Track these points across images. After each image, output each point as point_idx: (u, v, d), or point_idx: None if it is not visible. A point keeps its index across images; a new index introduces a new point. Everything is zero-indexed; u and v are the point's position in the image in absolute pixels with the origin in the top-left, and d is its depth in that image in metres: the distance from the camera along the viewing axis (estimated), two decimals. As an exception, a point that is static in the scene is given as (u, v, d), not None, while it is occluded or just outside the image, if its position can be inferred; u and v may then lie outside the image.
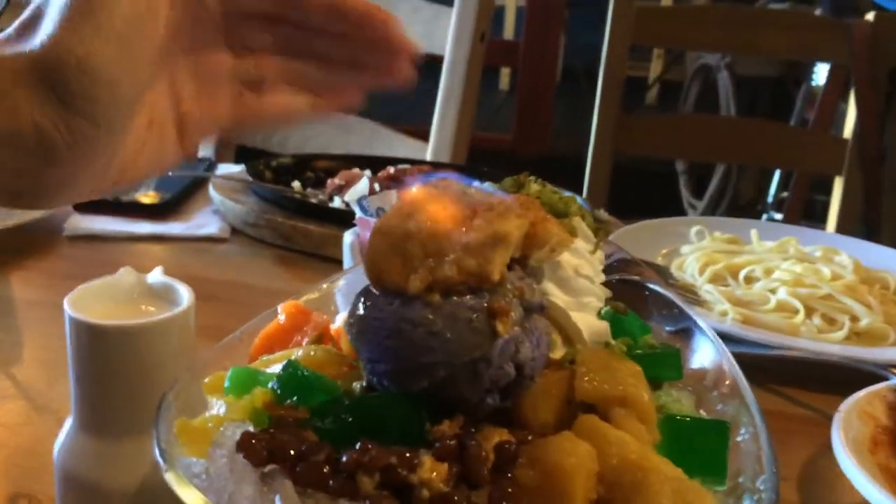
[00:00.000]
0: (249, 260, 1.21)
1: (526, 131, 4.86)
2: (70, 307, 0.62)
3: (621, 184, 2.28)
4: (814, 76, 3.80)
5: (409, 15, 1.83)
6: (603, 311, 0.62)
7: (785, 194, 3.74)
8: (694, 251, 1.24)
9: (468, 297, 0.46)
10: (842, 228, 2.16)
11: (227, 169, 1.57)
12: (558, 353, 0.55)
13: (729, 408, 0.61)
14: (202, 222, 1.29)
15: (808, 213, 2.88)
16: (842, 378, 0.92)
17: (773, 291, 1.10)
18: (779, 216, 3.73)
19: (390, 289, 0.47)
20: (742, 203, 4.33)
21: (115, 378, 0.61)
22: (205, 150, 1.99)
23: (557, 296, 0.55)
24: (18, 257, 1.13)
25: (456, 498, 0.42)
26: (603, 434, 0.48)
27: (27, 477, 0.69)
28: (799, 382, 0.97)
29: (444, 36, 1.79)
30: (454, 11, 1.76)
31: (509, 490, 0.44)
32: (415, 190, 0.49)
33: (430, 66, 1.81)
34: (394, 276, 0.47)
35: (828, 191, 2.29)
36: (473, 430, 0.48)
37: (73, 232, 1.21)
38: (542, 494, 0.45)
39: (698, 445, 0.54)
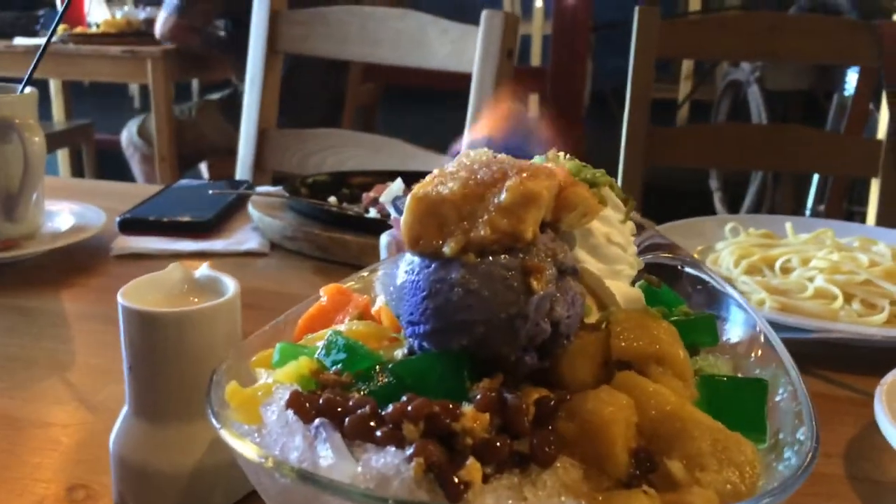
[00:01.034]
0: (289, 272, 1.24)
1: (560, 139, 4.86)
2: (123, 298, 0.64)
3: (654, 203, 2.28)
4: (846, 86, 3.77)
5: (439, 36, 1.87)
6: (637, 284, 0.63)
7: (822, 207, 3.70)
8: (728, 246, 1.24)
9: (503, 256, 0.48)
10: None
11: (265, 189, 1.61)
12: (593, 317, 0.56)
13: (766, 372, 0.61)
14: (242, 238, 1.32)
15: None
16: (884, 359, 0.91)
17: (810, 280, 1.10)
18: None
19: (427, 252, 0.49)
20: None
21: (167, 364, 0.64)
22: (242, 174, 2.04)
23: (590, 262, 0.57)
24: (68, 276, 1.17)
25: (498, 444, 0.43)
26: (641, 387, 0.49)
27: (83, 470, 0.71)
28: (840, 365, 0.96)
29: (472, 54, 1.82)
30: (480, 29, 1.80)
31: (550, 436, 0.45)
32: (449, 164, 0.51)
33: (463, 93, 1.84)
34: (430, 239, 0.49)
35: (864, 201, 2.27)
36: (514, 389, 0.49)
37: (120, 251, 1.25)
38: (584, 445, 0.46)
39: (737, 403, 0.54)
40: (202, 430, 0.65)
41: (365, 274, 0.72)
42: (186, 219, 1.34)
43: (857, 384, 0.93)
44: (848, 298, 1.06)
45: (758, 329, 0.65)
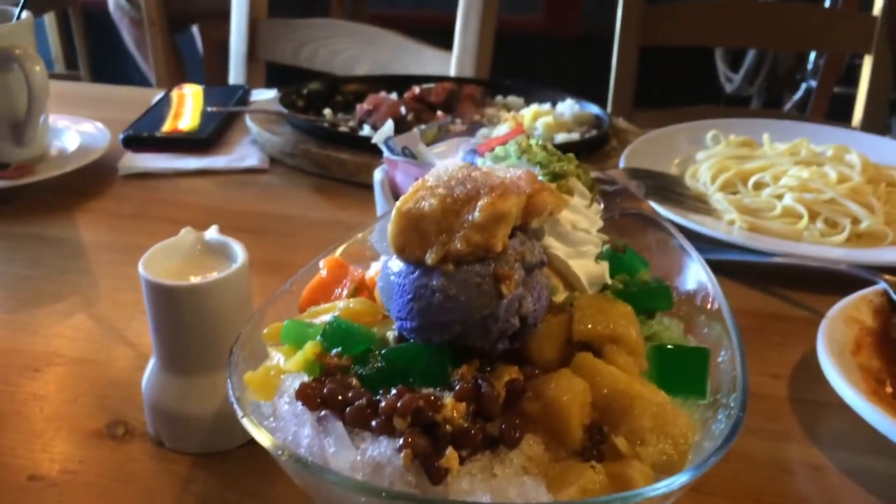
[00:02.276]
0: (289, 190, 1.31)
1: (557, 11, 4.76)
2: (144, 270, 0.72)
3: (654, 60, 2.28)
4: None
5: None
6: (604, 250, 0.71)
7: (814, 84, 3.66)
8: (707, 158, 1.30)
9: (476, 265, 0.55)
10: (870, 112, 2.17)
11: (261, 94, 1.64)
12: (560, 296, 0.64)
13: (713, 332, 0.70)
14: (243, 154, 1.38)
15: (837, 109, 2.84)
16: (841, 280, 1.00)
17: (779, 198, 1.17)
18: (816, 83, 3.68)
19: (411, 260, 0.57)
20: (781, 73, 4.25)
21: (187, 327, 0.72)
22: (236, 73, 2.06)
23: (558, 248, 0.64)
24: (82, 199, 1.24)
25: (472, 431, 0.52)
26: (596, 369, 0.58)
27: (121, 406, 0.81)
28: (801, 286, 1.05)
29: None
30: None
31: (517, 420, 0.54)
32: (427, 176, 0.57)
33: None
34: (414, 249, 0.56)
35: (856, 82, 2.30)
36: (489, 368, 0.58)
37: (126, 171, 1.31)
38: (546, 422, 0.55)
39: (683, 370, 0.63)
40: (220, 382, 0.74)
41: (360, 235, 0.79)
42: (187, 135, 1.39)
43: (814, 304, 1.02)
44: (813, 216, 1.14)
45: (709, 287, 0.73)
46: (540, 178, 0.61)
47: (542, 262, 0.60)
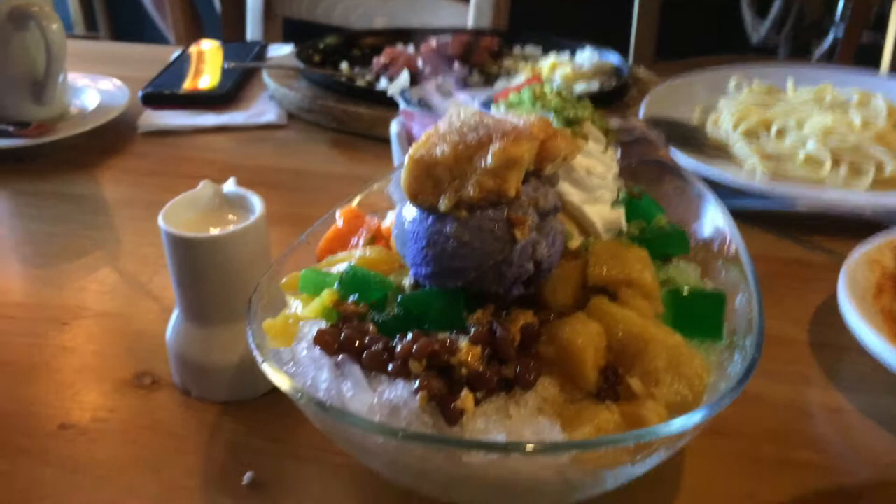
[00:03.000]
0: (307, 145, 1.31)
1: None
2: (164, 222, 0.73)
3: (677, 9, 2.24)
4: None
5: None
6: (620, 196, 0.71)
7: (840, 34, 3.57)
8: (729, 106, 1.28)
9: (490, 210, 0.56)
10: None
11: (278, 50, 1.64)
12: (575, 242, 0.64)
13: (731, 275, 0.70)
14: (261, 110, 1.38)
15: (865, 58, 2.77)
16: (863, 225, 0.99)
17: (803, 144, 1.15)
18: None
19: (425, 207, 0.57)
20: (807, 23, 4.15)
21: (207, 278, 0.73)
22: (253, 30, 2.05)
23: (573, 193, 0.64)
24: (103, 157, 1.25)
25: (488, 374, 0.53)
26: (610, 313, 0.58)
27: (148, 357, 0.83)
28: (823, 232, 1.04)
29: None
30: None
31: (532, 363, 0.55)
32: (439, 123, 0.57)
33: None
34: (427, 196, 0.56)
35: (884, 28, 2.24)
36: (504, 313, 0.59)
37: (146, 128, 1.32)
38: (560, 365, 0.56)
39: (699, 313, 0.64)
40: (242, 331, 0.74)
41: (376, 186, 0.79)
42: (206, 92, 1.39)
43: (834, 247, 1.01)
44: (837, 162, 1.12)
45: (727, 232, 0.73)
46: (554, 124, 0.61)
47: (556, 208, 0.60)
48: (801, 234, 1.05)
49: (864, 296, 0.84)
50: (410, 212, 0.58)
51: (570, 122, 0.64)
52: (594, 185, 0.64)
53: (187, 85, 1.42)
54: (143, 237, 1.05)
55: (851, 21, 2.48)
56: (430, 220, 0.56)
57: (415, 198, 0.57)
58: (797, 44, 4.11)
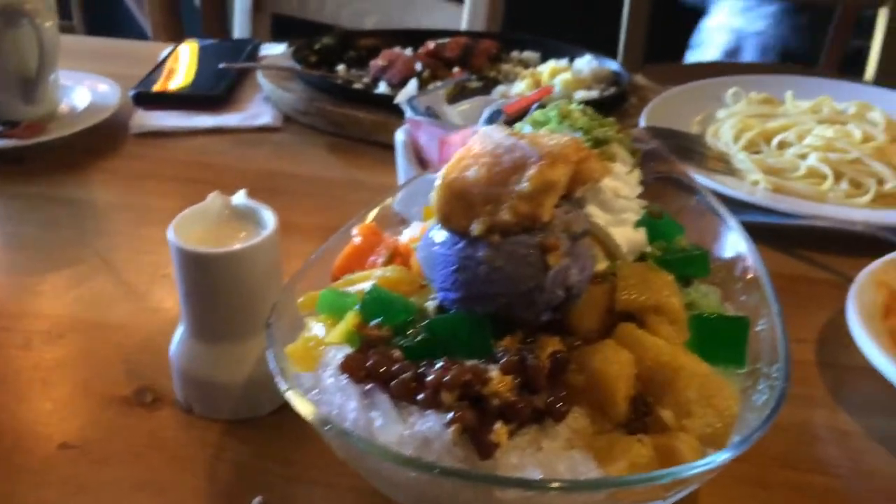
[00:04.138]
0: (304, 149, 1.29)
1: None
2: (174, 236, 0.71)
3: (662, 11, 2.25)
4: None
5: None
6: (641, 216, 0.70)
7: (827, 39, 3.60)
8: (729, 117, 1.28)
9: (523, 236, 0.54)
10: (883, 66, 2.14)
11: (271, 49, 1.61)
12: (601, 265, 0.63)
13: (751, 299, 0.69)
14: (256, 112, 1.35)
15: (848, 62, 2.80)
16: (866, 242, 0.99)
17: (803, 157, 1.15)
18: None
19: (456, 230, 0.55)
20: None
21: (217, 294, 0.71)
22: (241, 26, 2.02)
23: (599, 216, 0.63)
24: (95, 159, 1.22)
25: (520, 405, 0.52)
26: (640, 341, 0.57)
27: (148, 372, 0.81)
28: (825, 247, 1.04)
29: None
30: None
31: (563, 393, 0.54)
32: (472, 143, 0.56)
33: None
34: (459, 220, 0.55)
35: (869, 36, 2.26)
36: (531, 339, 0.58)
37: (139, 129, 1.29)
38: (590, 395, 0.55)
39: (722, 339, 0.63)
40: (251, 348, 0.74)
41: (387, 200, 0.78)
42: (200, 92, 1.36)
43: (838, 266, 1.01)
44: (838, 177, 1.12)
45: (747, 254, 0.72)
46: (583, 144, 0.60)
47: (586, 232, 0.59)
48: (804, 250, 1.04)
49: (872, 316, 0.84)
50: (440, 235, 0.57)
51: (599, 143, 0.62)
52: (620, 206, 0.63)
53: (180, 84, 1.39)
54: (140, 244, 1.02)
55: (837, 26, 2.50)
56: (461, 244, 0.55)
57: (447, 221, 0.56)
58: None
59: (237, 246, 0.70)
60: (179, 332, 0.76)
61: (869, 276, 0.89)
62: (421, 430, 0.51)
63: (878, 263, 0.91)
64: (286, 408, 0.54)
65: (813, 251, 1.04)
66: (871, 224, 1.01)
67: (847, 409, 0.80)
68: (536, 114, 0.66)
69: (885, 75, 2.20)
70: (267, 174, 1.21)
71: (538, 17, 2.43)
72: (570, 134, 0.62)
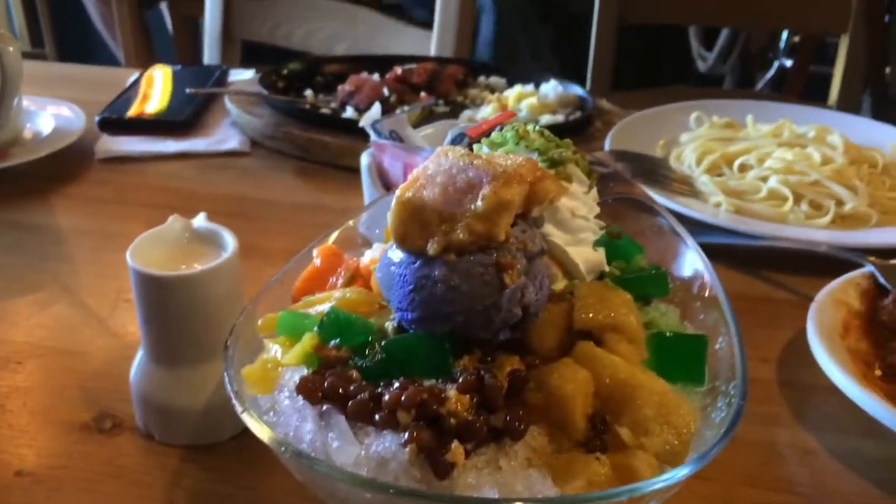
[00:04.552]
0: (271, 173, 1.28)
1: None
2: (132, 259, 0.70)
3: (627, 38, 2.28)
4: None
5: None
6: (600, 236, 0.70)
7: (797, 39, 3.68)
8: (692, 140, 1.30)
9: (479, 255, 0.54)
10: (844, 92, 2.19)
11: (239, 75, 1.61)
12: (559, 284, 0.63)
13: (710, 318, 0.70)
14: (223, 137, 1.35)
15: (810, 87, 2.86)
16: (826, 262, 1.01)
17: (764, 180, 1.17)
18: (790, 62, 3.70)
19: (412, 250, 0.56)
20: (754, 52, 4.27)
21: (177, 318, 0.71)
22: (211, 52, 2.02)
23: (557, 235, 0.63)
24: (59, 184, 1.21)
25: (478, 424, 0.52)
26: (598, 359, 0.58)
27: (108, 398, 0.80)
28: (786, 268, 1.05)
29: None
30: None
31: (521, 412, 0.54)
32: (427, 164, 0.56)
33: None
34: (415, 239, 0.55)
35: (832, 61, 2.31)
36: (490, 359, 0.57)
37: (104, 154, 1.28)
38: (549, 413, 0.55)
39: (681, 357, 0.63)
40: (211, 372, 0.73)
41: (350, 223, 0.78)
42: (166, 117, 1.36)
43: (799, 286, 1.02)
44: (798, 198, 1.14)
45: (705, 273, 0.73)
46: (539, 164, 0.61)
47: (542, 251, 0.59)
48: (765, 271, 1.06)
49: (831, 335, 0.85)
50: (396, 255, 0.57)
51: (555, 163, 0.63)
52: (578, 226, 0.64)
53: (146, 110, 1.38)
54: (101, 269, 1.01)
55: (799, 53, 2.56)
56: (417, 263, 0.55)
57: (402, 241, 0.56)
58: (743, 73, 4.23)
59: (196, 269, 0.70)
60: (139, 357, 0.75)
61: (828, 295, 0.90)
62: (377, 451, 0.50)
63: (836, 283, 0.92)
64: (247, 432, 0.54)
65: (774, 272, 1.05)
66: (829, 243, 1.03)
67: (810, 428, 0.81)
68: (494, 135, 0.66)
69: (846, 100, 2.25)
70: (234, 198, 1.21)
71: (505, 42, 2.46)
72: (526, 154, 0.62)
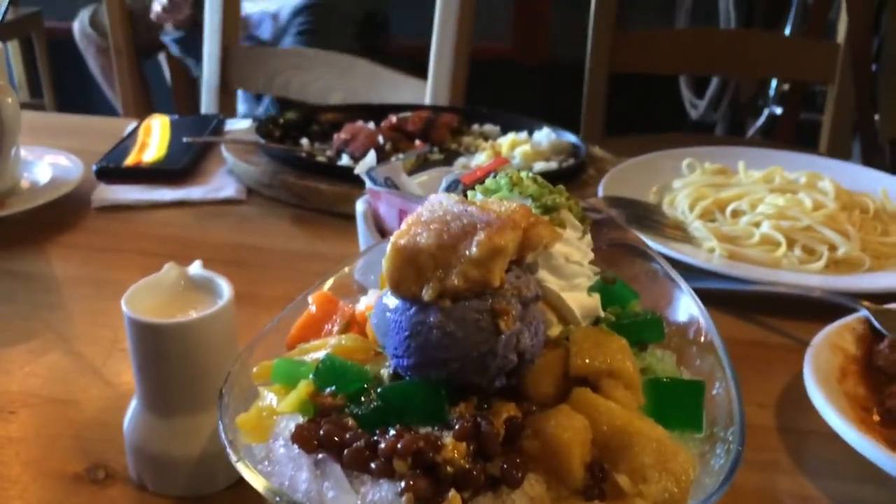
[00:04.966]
0: (267, 221, 1.29)
1: (525, 38, 4.82)
2: (127, 307, 0.70)
3: (621, 86, 2.32)
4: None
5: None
6: (595, 282, 0.70)
7: (786, 87, 3.74)
8: (684, 186, 1.31)
9: (474, 301, 0.55)
10: (834, 139, 2.22)
11: (236, 124, 1.63)
12: (555, 330, 0.63)
13: (706, 363, 0.70)
14: (219, 185, 1.36)
15: (800, 134, 2.91)
16: (820, 307, 1.01)
17: (757, 225, 1.18)
18: (779, 110, 3.76)
19: (407, 296, 0.56)
20: (743, 100, 4.34)
21: (172, 367, 0.71)
22: (208, 103, 2.04)
23: (551, 281, 0.63)
24: (54, 233, 1.21)
25: (475, 472, 0.51)
26: (595, 406, 0.57)
27: (101, 448, 0.79)
28: (781, 312, 1.06)
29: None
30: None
31: (518, 460, 0.54)
32: (421, 210, 0.57)
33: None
34: (410, 285, 0.55)
35: (821, 108, 2.35)
36: (486, 405, 0.57)
37: (100, 203, 1.29)
38: (546, 461, 0.55)
39: (678, 403, 0.63)
40: (205, 421, 0.72)
41: (346, 269, 0.78)
42: (162, 166, 1.37)
43: (794, 331, 1.02)
44: (791, 244, 1.15)
45: (700, 318, 0.73)
46: (533, 210, 0.61)
47: (537, 297, 0.59)
48: (760, 315, 1.06)
49: (828, 380, 0.85)
50: (391, 301, 0.57)
51: (548, 209, 0.64)
52: (572, 272, 0.64)
53: (143, 159, 1.39)
54: (96, 317, 1.01)
55: (789, 101, 2.60)
56: (412, 310, 0.55)
57: (397, 287, 0.56)
58: (734, 121, 4.29)
59: (191, 316, 0.70)
60: (133, 406, 0.75)
61: (824, 339, 0.90)
62: (374, 500, 0.50)
63: (832, 327, 0.92)
64: (242, 482, 0.53)
65: (769, 316, 1.06)
66: (823, 289, 1.03)
67: (809, 474, 0.80)
68: (488, 182, 0.67)
69: (836, 147, 2.28)
70: (230, 246, 1.21)
71: (495, 91, 2.49)
72: (520, 201, 0.63)
